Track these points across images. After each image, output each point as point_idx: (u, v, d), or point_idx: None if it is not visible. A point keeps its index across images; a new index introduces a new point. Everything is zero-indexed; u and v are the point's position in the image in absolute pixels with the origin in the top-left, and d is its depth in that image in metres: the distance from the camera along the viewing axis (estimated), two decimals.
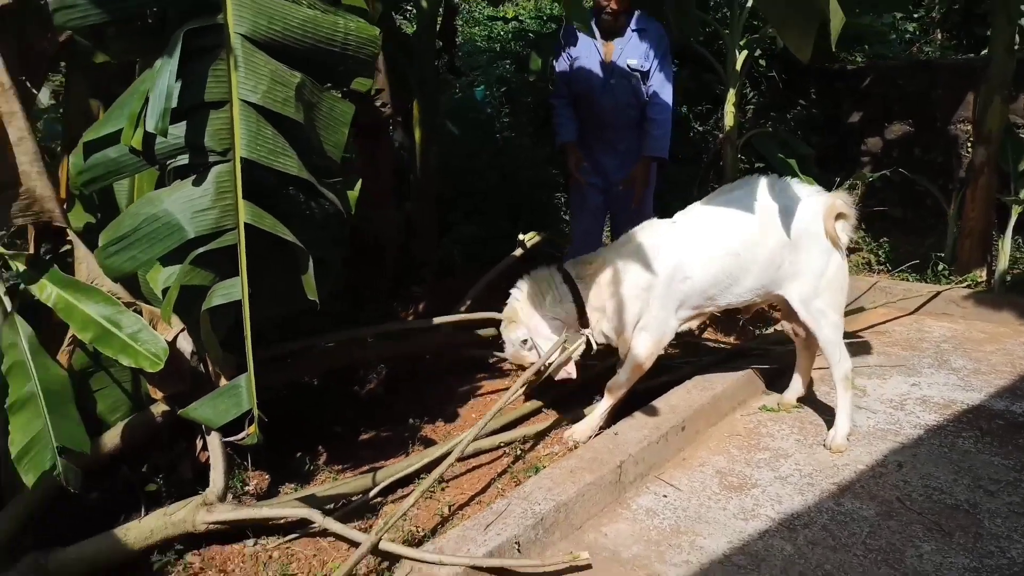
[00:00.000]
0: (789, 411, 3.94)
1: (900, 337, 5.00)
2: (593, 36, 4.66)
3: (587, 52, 4.74)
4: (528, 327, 3.57)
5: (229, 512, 2.90)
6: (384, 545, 2.70)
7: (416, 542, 2.93)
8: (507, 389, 3.55)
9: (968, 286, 5.55)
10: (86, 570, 2.77)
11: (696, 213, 3.63)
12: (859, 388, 4.14)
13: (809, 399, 4.03)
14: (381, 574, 2.79)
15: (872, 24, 7.93)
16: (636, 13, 4.72)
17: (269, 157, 2.58)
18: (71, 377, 2.84)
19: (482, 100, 7.86)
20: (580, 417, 3.76)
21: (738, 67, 5.99)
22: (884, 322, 5.26)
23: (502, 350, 3.88)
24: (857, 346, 4.72)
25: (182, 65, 2.45)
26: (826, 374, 3.73)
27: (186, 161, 2.57)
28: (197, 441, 3.30)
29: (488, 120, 7.55)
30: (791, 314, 3.70)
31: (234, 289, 2.56)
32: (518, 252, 4.22)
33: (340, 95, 3.74)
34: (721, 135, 6.34)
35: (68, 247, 3.01)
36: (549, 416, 3.91)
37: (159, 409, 3.14)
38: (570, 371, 3.60)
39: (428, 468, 3.21)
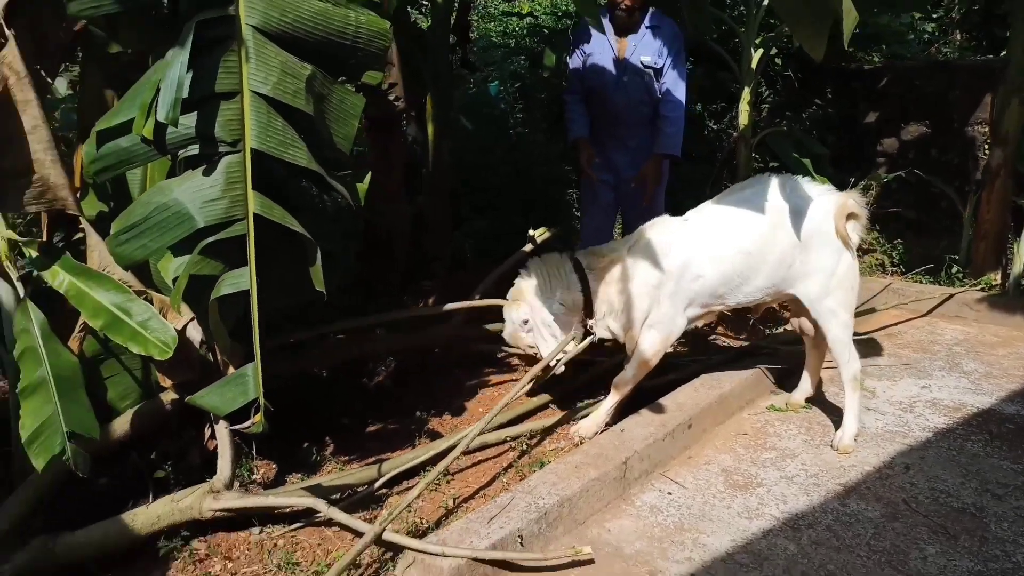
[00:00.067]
0: (797, 411, 3.93)
1: (912, 339, 4.97)
2: (605, 32, 4.65)
3: (600, 49, 4.74)
4: (531, 308, 3.56)
5: (235, 500, 2.92)
6: (388, 536, 2.72)
7: (420, 533, 2.95)
8: (514, 383, 3.55)
9: (982, 289, 5.51)
10: (94, 554, 2.80)
11: (708, 211, 3.63)
12: (869, 389, 4.12)
13: (818, 399, 4.02)
14: (384, 564, 2.80)
15: (890, 24, 7.89)
16: (650, 10, 4.71)
17: (279, 148, 2.60)
18: (82, 364, 2.87)
19: (496, 96, 7.86)
20: (587, 413, 3.76)
21: (753, 65, 5.96)
22: (896, 324, 5.23)
23: (510, 345, 3.88)
24: (868, 347, 4.69)
25: (194, 56, 2.47)
26: (835, 374, 3.72)
27: (197, 151, 2.60)
28: (205, 429, 3.33)
29: (502, 116, 7.55)
30: (801, 313, 3.69)
31: (242, 279, 2.58)
32: (528, 247, 4.22)
33: (354, 89, 3.77)
34: (735, 134, 6.32)
35: (81, 235, 3.04)
36: (556, 412, 3.93)
37: (168, 397, 3.17)
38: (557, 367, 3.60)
39: (434, 461, 3.22)
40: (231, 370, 2.90)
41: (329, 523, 3.01)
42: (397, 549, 2.78)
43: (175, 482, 3.12)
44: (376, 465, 3.29)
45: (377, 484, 3.19)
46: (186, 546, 2.91)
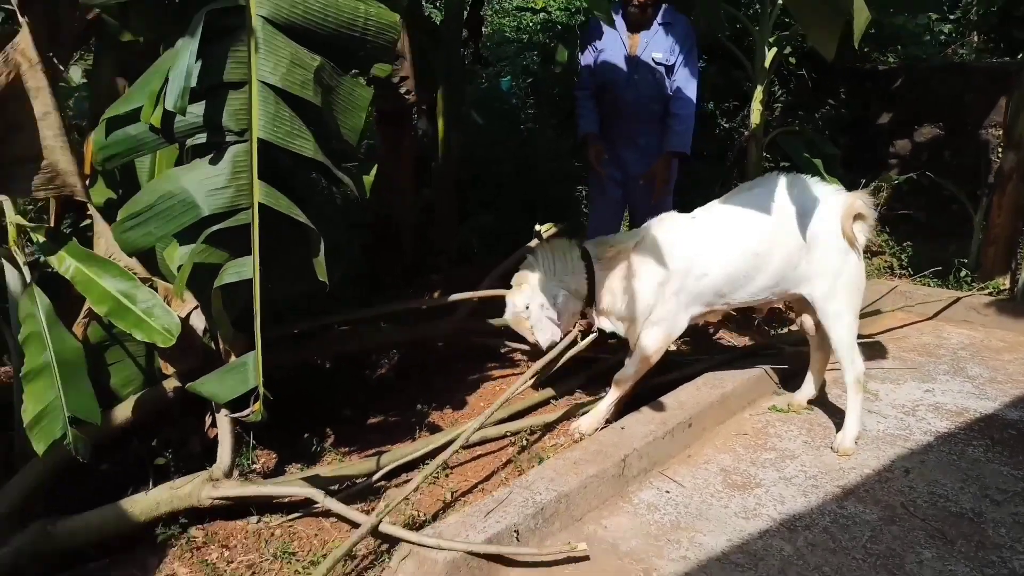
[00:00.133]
0: (799, 412, 3.92)
1: (917, 342, 4.96)
2: (615, 27, 4.64)
3: (612, 45, 4.73)
4: (533, 293, 3.53)
5: (234, 488, 2.95)
6: (384, 527, 2.74)
7: (417, 526, 2.96)
8: (516, 378, 3.56)
9: (990, 293, 5.49)
10: (92, 539, 2.82)
11: (715, 210, 3.62)
12: (871, 392, 4.12)
13: (820, 401, 4.01)
14: (380, 556, 2.82)
15: (906, 25, 7.84)
16: (663, 6, 4.69)
17: (286, 139, 2.61)
18: (86, 349, 2.89)
19: (508, 91, 7.86)
20: (587, 410, 3.76)
21: (767, 64, 5.93)
22: (902, 326, 5.22)
23: (513, 339, 3.88)
24: (873, 350, 4.69)
25: (203, 45, 2.48)
26: (839, 376, 3.71)
27: (204, 140, 2.61)
28: (206, 418, 3.36)
29: (513, 111, 7.55)
30: (805, 311, 3.69)
31: (245, 268, 2.60)
32: (534, 243, 4.22)
33: (364, 81, 3.76)
34: (747, 132, 6.30)
35: (88, 222, 3.06)
36: (557, 408, 3.93)
37: (171, 385, 3.19)
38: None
39: (433, 454, 3.24)
40: (233, 359, 2.92)
41: (327, 514, 3.03)
42: (393, 541, 2.79)
43: (175, 470, 3.14)
44: (375, 457, 3.30)
45: (376, 476, 3.21)
46: (184, 533, 2.94)
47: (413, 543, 2.65)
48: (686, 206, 3.77)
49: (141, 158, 3.11)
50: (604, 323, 3.66)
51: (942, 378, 4.37)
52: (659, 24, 4.68)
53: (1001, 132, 6.62)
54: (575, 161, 6.90)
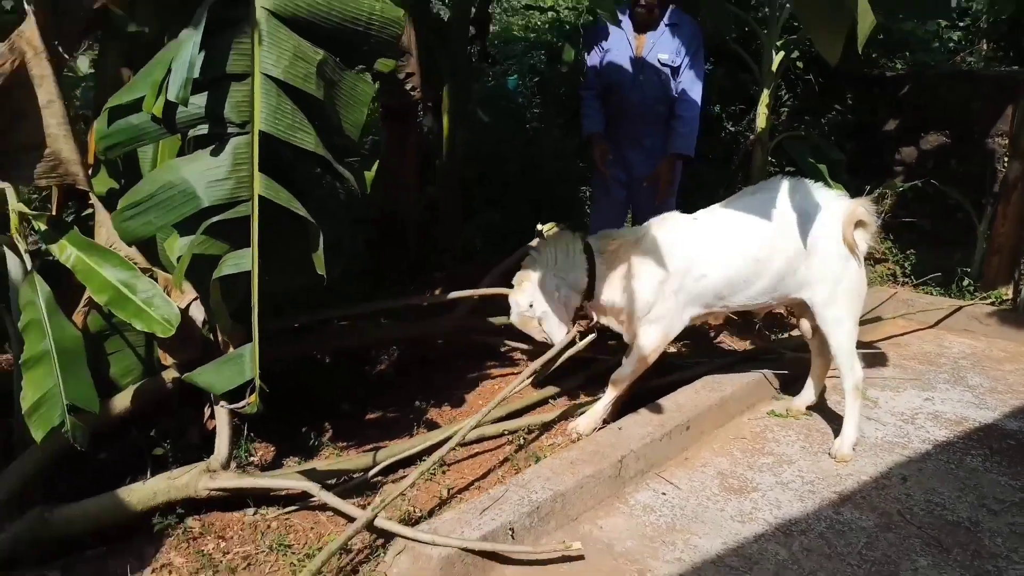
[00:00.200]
0: (798, 418, 3.92)
1: (918, 350, 4.95)
2: (620, 26, 4.64)
3: (618, 45, 4.73)
4: (534, 289, 3.52)
5: (231, 480, 2.95)
6: (380, 522, 2.74)
7: (413, 522, 2.96)
8: (515, 377, 3.56)
9: (992, 303, 5.47)
10: (89, 527, 2.83)
11: (717, 212, 3.61)
12: (871, 399, 4.11)
13: (820, 407, 4.00)
14: (375, 551, 2.82)
15: (915, 31, 7.82)
16: (671, 8, 4.69)
17: (287, 132, 2.62)
18: (86, 339, 2.89)
19: (514, 89, 7.86)
20: (585, 410, 3.76)
21: (774, 68, 5.92)
22: (903, 334, 5.21)
23: (513, 338, 3.88)
24: (873, 357, 4.68)
25: (207, 36, 2.49)
26: (839, 383, 3.68)
27: (206, 131, 2.62)
28: (205, 409, 3.36)
29: (519, 110, 7.55)
30: (806, 316, 3.68)
31: (244, 259, 2.61)
32: (535, 242, 4.21)
33: (370, 77, 3.74)
34: (752, 136, 6.29)
35: (90, 211, 3.07)
36: (555, 407, 3.93)
37: (170, 375, 3.19)
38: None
39: (430, 451, 3.23)
40: (232, 350, 2.92)
41: (323, 507, 3.03)
42: (389, 536, 2.79)
43: (173, 460, 3.15)
44: (373, 453, 3.30)
45: (372, 472, 3.20)
46: (181, 523, 2.94)
47: (408, 538, 2.66)
48: (690, 209, 3.77)
49: (144, 148, 3.13)
50: (603, 320, 3.65)
51: (942, 387, 4.36)
52: (666, 25, 4.69)
53: (1007, 141, 6.61)
54: (580, 161, 6.89)
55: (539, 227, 4.16)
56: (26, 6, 2.69)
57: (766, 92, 5.93)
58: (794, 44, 6.05)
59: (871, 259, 6.50)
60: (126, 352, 3.21)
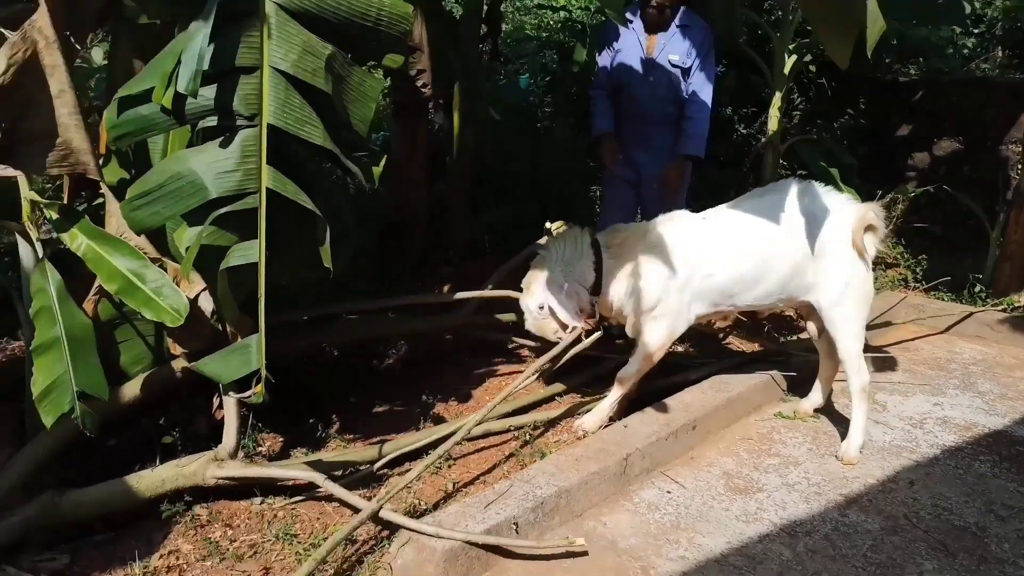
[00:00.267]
0: (805, 420, 3.91)
1: (928, 355, 4.92)
2: (627, 27, 4.64)
3: (629, 45, 4.73)
4: (543, 290, 3.53)
5: (238, 469, 2.97)
6: (384, 513, 2.75)
7: (418, 514, 2.97)
8: (522, 373, 3.56)
9: (1004, 310, 5.43)
10: (98, 512, 2.85)
11: (725, 212, 3.61)
12: (880, 403, 4.10)
13: (827, 410, 3.99)
14: (380, 542, 2.84)
15: (930, 38, 7.79)
16: (682, 9, 4.69)
17: (295, 125, 2.63)
18: (97, 327, 2.92)
19: (526, 88, 7.87)
20: (591, 407, 3.76)
21: (786, 71, 5.92)
22: (913, 339, 5.18)
23: (521, 335, 3.88)
24: (883, 361, 4.66)
25: (216, 29, 2.50)
26: (848, 386, 3.68)
27: (214, 123, 2.63)
28: (214, 399, 3.38)
29: (530, 108, 7.56)
30: (813, 317, 3.68)
31: (251, 251, 2.62)
32: (544, 240, 4.22)
33: (382, 73, 3.75)
34: (763, 139, 6.28)
35: (101, 200, 3.09)
36: (562, 404, 3.93)
37: (179, 365, 3.21)
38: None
39: (436, 445, 3.24)
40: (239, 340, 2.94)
41: (329, 498, 3.05)
42: (394, 528, 2.81)
43: (182, 448, 3.17)
44: (379, 445, 3.32)
45: (378, 464, 3.22)
46: (188, 511, 2.96)
47: (413, 530, 2.67)
48: (700, 210, 3.76)
49: (154, 139, 3.16)
50: (606, 312, 3.64)
51: (952, 392, 4.34)
52: (677, 26, 4.69)
53: (1021, 148, 6.58)
54: (590, 161, 6.90)
55: (548, 225, 4.17)
56: None
57: (778, 95, 5.94)
58: (807, 48, 6.03)
59: (882, 264, 6.48)
60: (136, 341, 3.24)
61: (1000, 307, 5.47)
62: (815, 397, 3.94)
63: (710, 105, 4.71)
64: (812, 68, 7.45)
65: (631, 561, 2.77)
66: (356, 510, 2.83)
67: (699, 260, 3.48)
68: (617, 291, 3.55)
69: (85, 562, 2.70)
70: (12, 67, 2.65)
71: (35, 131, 2.77)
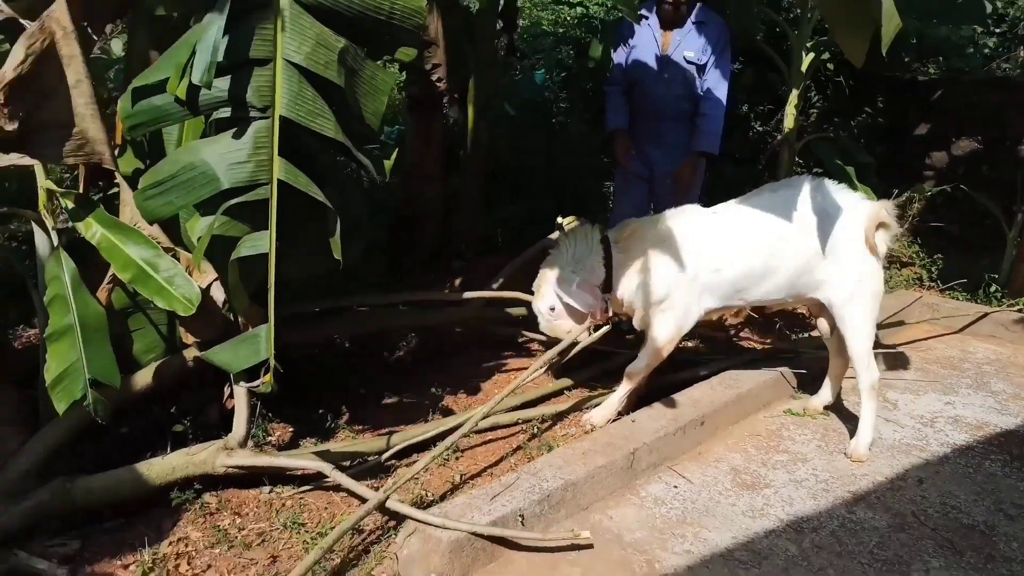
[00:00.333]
0: (814, 417, 3.90)
1: (941, 355, 4.90)
2: (639, 23, 4.64)
3: (644, 42, 4.72)
4: (553, 291, 3.55)
5: (248, 458, 3.00)
6: (391, 504, 2.77)
7: (425, 505, 2.98)
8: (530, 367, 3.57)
9: (1020, 310, 5.39)
10: (109, 499, 2.89)
11: (736, 207, 3.61)
12: (891, 402, 4.08)
13: (837, 407, 3.98)
14: (387, 532, 2.86)
15: (950, 37, 7.73)
16: (698, 5, 4.68)
17: (307, 118, 2.66)
18: (110, 315, 2.95)
19: (542, 83, 7.87)
20: (599, 402, 3.77)
21: (804, 69, 5.90)
22: (927, 338, 5.15)
23: (531, 329, 3.89)
24: (895, 360, 4.64)
25: (231, 21, 2.53)
26: (857, 383, 3.67)
27: (228, 114, 2.66)
28: (225, 388, 3.41)
29: (545, 104, 7.56)
30: (823, 315, 3.66)
31: (262, 241, 2.64)
32: (555, 235, 4.23)
33: (398, 67, 3.74)
34: (779, 137, 6.26)
35: (116, 189, 3.12)
36: (570, 398, 3.94)
37: (191, 354, 3.23)
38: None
39: (444, 436, 3.26)
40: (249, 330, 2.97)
41: (337, 488, 3.07)
42: (400, 518, 2.83)
43: (193, 437, 3.19)
44: (387, 436, 3.34)
45: (386, 455, 3.24)
46: (198, 499, 2.99)
47: (419, 521, 2.68)
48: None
49: (169, 129, 3.19)
50: (617, 308, 3.65)
51: (964, 391, 4.31)
52: (693, 23, 4.67)
53: None
54: (604, 157, 6.89)
55: (559, 220, 4.17)
56: None
57: (795, 93, 5.91)
58: (824, 46, 6.01)
59: (897, 263, 6.45)
60: (149, 330, 3.27)
61: (1016, 307, 5.42)
62: (825, 394, 3.93)
63: (725, 102, 4.69)
64: (830, 66, 7.41)
65: (636, 554, 2.77)
66: (363, 500, 2.86)
67: (707, 254, 3.48)
68: (627, 286, 3.56)
69: (95, 548, 2.73)
70: (30, 57, 2.68)
71: (52, 121, 2.80)
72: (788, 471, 3.39)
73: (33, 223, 2.99)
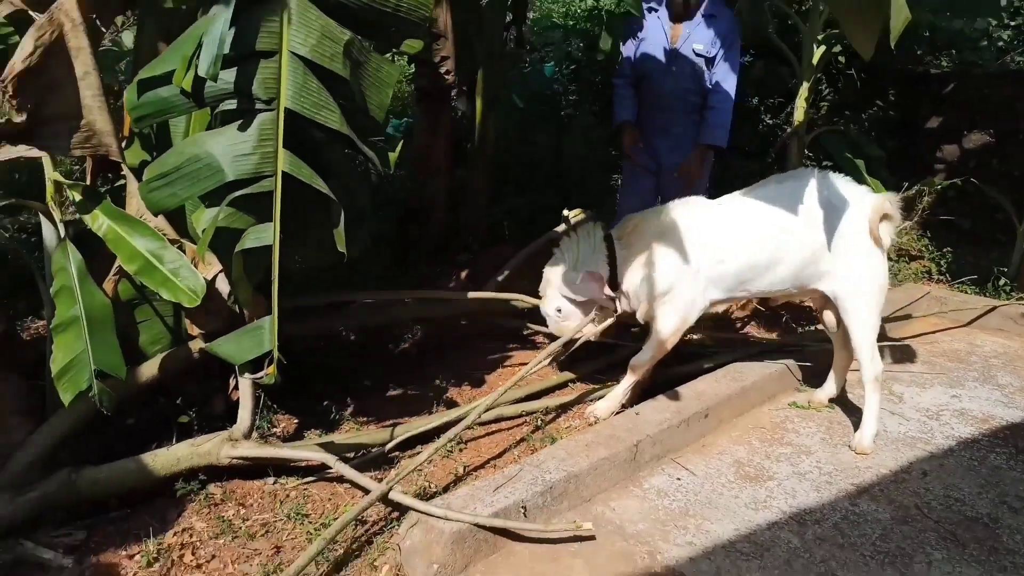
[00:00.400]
0: (819, 410, 3.89)
1: (948, 348, 4.88)
2: (643, 16, 4.62)
3: (654, 34, 4.71)
4: (559, 293, 3.57)
5: (252, 449, 3.01)
6: (394, 495, 2.79)
7: (428, 497, 3.00)
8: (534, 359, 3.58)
9: None
10: (114, 490, 2.91)
11: (741, 199, 3.61)
12: (896, 395, 4.08)
13: (843, 400, 3.98)
14: (390, 523, 2.88)
15: (964, 30, 7.67)
16: None
17: (312, 110, 2.67)
18: (117, 307, 2.97)
19: (551, 76, 7.86)
20: (604, 394, 3.77)
21: (814, 61, 5.86)
22: (935, 332, 5.13)
23: (536, 321, 3.89)
24: (901, 353, 4.63)
25: (237, 13, 2.54)
26: (862, 376, 3.67)
27: (233, 106, 2.67)
28: (230, 380, 3.43)
29: (554, 96, 7.56)
30: (827, 308, 3.66)
31: (266, 233, 2.66)
32: (561, 228, 4.23)
33: (406, 60, 3.74)
34: (789, 130, 6.23)
35: (123, 181, 3.14)
36: (575, 390, 3.95)
37: (197, 346, 3.26)
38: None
39: (447, 428, 3.27)
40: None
41: (341, 479, 3.09)
42: (403, 509, 2.85)
43: (198, 428, 3.21)
44: (391, 428, 3.36)
45: (389, 446, 3.26)
46: (203, 490, 3.01)
47: (421, 512, 2.70)
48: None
49: (176, 122, 3.20)
50: (624, 303, 3.65)
51: (971, 384, 4.30)
52: (702, 16, 4.66)
53: None
54: (612, 149, 6.88)
55: (565, 212, 4.18)
56: None
57: (805, 86, 5.88)
58: (836, 39, 5.96)
59: (906, 256, 6.41)
60: (155, 321, 3.29)
61: None
62: (830, 387, 3.92)
63: (734, 95, 4.68)
64: (841, 59, 7.37)
65: (638, 546, 2.78)
66: (367, 491, 2.87)
67: (711, 245, 3.48)
68: (631, 280, 3.56)
69: (100, 538, 2.76)
70: (39, 48, 2.70)
71: (60, 113, 2.82)
72: (792, 463, 3.39)
73: (40, 215, 3.01)
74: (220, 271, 3.04)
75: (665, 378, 3.90)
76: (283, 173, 2.66)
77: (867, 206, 3.43)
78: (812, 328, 4.90)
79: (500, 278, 4.22)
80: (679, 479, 3.23)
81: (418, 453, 3.32)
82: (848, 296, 3.46)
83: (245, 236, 2.68)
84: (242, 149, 2.64)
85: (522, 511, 2.81)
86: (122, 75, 5.41)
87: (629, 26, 4.89)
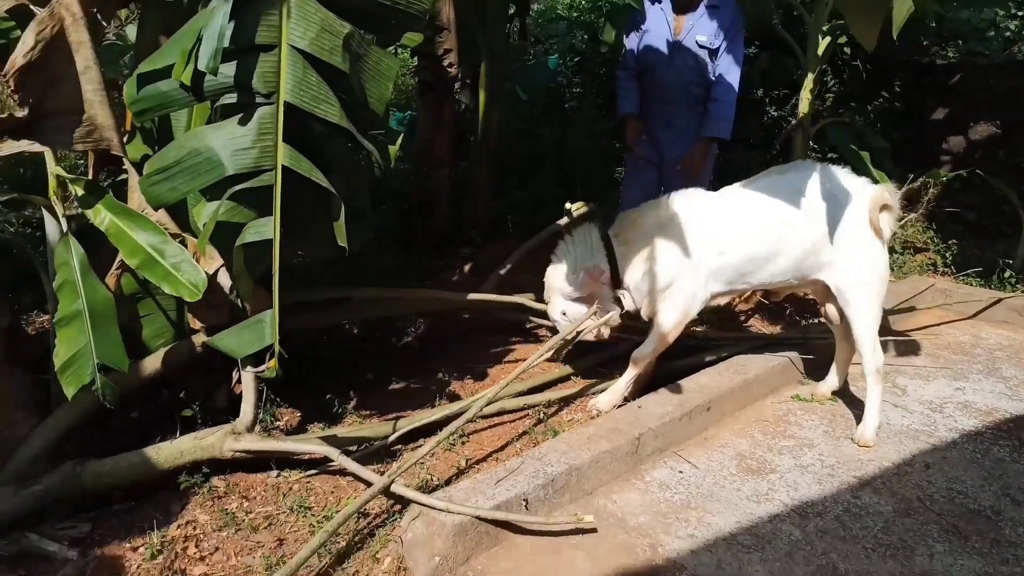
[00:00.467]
0: (822, 402, 3.89)
1: (952, 340, 4.86)
2: (644, 7, 4.61)
3: (657, 26, 4.70)
4: (560, 296, 3.58)
5: (255, 442, 3.03)
6: (396, 488, 2.80)
7: (430, 489, 3.01)
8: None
9: None
10: (118, 483, 2.93)
11: (741, 190, 3.60)
12: (899, 387, 4.07)
13: (845, 393, 3.98)
14: (392, 515, 2.88)
15: (971, 20, 7.62)
16: None
17: (311, 103, 2.66)
18: (120, 301, 2.98)
19: (555, 68, 7.84)
20: (606, 387, 3.77)
21: (819, 53, 5.83)
22: (939, 324, 5.12)
23: (538, 315, 3.89)
24: (905, 345, 4.62)
25: (236, 7, 2.53)
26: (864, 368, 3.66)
27: (233, 100, 2.67)
28: (233, 373, 3.44)
29: (558, 89, 7.54)
30: (828, 300, 3.65)
31: (266, 228, 2.66)
32: (564, 220, 4.23)
33: (409, 53, 3.71)
34: (794, 121, 6.20)
35: (125, 176, 3.15)
36: (577, 384, 3.95)
37: (199, 339, 3.26)
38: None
39: (449, 421, 3.28)
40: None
41: (343, 472, 3.10)
42: (405, 502, 2.85)
43: (201, 421, 3.23)
44: (394, 421, 3.36)
45: (391, 439, 3.26)
46: (206, 483, 3.03)
47: (423, 505, 2.70)
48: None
49: (178, 116, 3.21)
50: (628, 301, 3.65)
51: (975, 377, 4.29)
52: (706, 7, 4.64)
53: None
54: (615, 142, 6.87)
55: (568, 205, 4.17)
56: None
57: (810, 77, 5.85)
58: (841, 30, 5.93)
59: (911, 248, 6.40)
60: (158, 315, 3.30)
61: None
62: (832, 380, 3.92)
63: (737, 87, 4.66)
64: (846, 50, 7.33)
65: (640, 538, 2.79)
66: (369, 484, 2.88)
67: (712, 237, 3.47)
68: (633, 276, 3.57)
69: (104, 531, 2.78)
70: (40, 43, 2.71)
71: (61, 107, 2.83)
72: (794, 456, 3.39)
73: (43, 209, 3.02)
74: (221, 265, 3.04)
75: (667, 371, 3.90)
76: (283, 167, 2.66)
77: (867, 197, 3.42)
78: (815, 321, 4.89)
79: (502, 271, 4.21)
80: (681, 472, 3.24)
81: (420, 446, 3.32)
82: (849, 287, 3.46)
83: (246, 230, 2.69)
84: (242, 143, 2.64)
85: (524, 504, 2.81)
86: (126, 69, 5.42)
87: (632, 18, 4.87)
